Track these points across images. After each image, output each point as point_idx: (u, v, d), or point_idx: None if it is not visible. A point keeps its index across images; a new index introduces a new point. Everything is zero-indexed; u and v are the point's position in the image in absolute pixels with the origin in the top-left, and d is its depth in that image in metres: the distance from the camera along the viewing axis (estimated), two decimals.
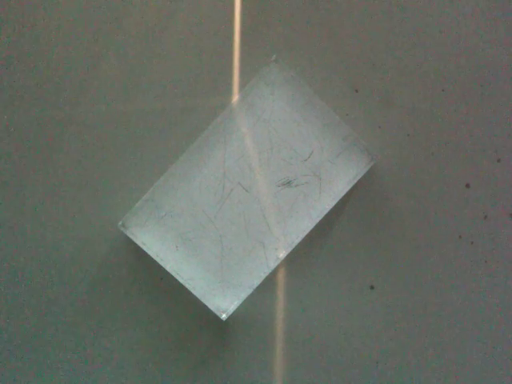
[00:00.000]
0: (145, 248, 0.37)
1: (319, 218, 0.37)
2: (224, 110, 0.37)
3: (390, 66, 0.38)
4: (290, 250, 0.37)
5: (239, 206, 0.37)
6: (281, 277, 0.39)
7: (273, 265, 0.37)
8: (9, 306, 0.39)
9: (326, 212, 0.37)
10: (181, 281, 0.37)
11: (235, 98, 0.37)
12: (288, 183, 0.37)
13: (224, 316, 0.37)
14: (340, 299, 0.39)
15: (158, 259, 0.37)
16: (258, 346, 0.39)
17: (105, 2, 0.39)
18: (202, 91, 0.38)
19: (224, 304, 0.37)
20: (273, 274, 0.38)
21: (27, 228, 0.39)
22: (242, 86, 0.38)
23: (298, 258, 0.39)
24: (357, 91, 0.39)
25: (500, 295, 0.39)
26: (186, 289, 0.37)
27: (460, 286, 0.39)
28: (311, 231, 0.37)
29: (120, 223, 0.37)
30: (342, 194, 0.37)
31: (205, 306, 0.37)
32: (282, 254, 0.37)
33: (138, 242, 0.37)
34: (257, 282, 0.37)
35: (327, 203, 0.37)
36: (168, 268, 0.37)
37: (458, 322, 0.39)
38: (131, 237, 0.37)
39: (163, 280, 0.39)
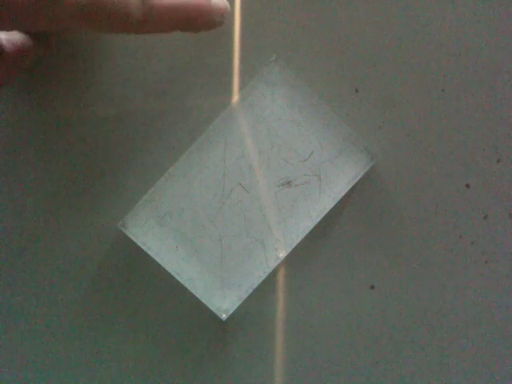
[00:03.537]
0: (145, 248, 0.37)
1: (319, 218, 0.37)
2: (224, 110, 0.37)
3: (390, 66, 0.38)
4: (289, 250, 0.37)
5: (239, 206, 0.37)
6: (281, 277, 0.39)
7: (273, 265, 0.37)
8: (8, 305, 0.39)
9: (326, 212, 0.37)
10: (181, 281, 0.37)
11: (235, 98, 0.37)
12: (288, 183, 0.37)
13: (224, 316, 0.37)
14: (340, 299, 0.39)
15: (158, 259, 0.37)
16: (257, 345, 0.39)
17: None
18: (202, 91, 0.38)
19: (224, 304, 0.37)
20: (273, 274, 0.38)
21: (26, 228, 0.39)
22: (242, 86, 0.38)
23: (298, 258, 0.39)
24: (357, 91, 0.39)
25: (500, 295, 0.39)
26: (186, 289, 0.37)
27: (460, 285, 0.39)
28: (311, 231, 0.37)
29: (120, 223, 0.37)
30: (342, 194, 0.37)
31: (205, 306, 0.37)
32: (282, 254, 0.37)
33: (138, 242, 0.37)
34: (257, 282, 0.37)
35: (327, 203, 0.37)
36: (168, 268, 0.37)
37: (458, 322, 0.39)
38: (131, 237, 0.37)
39: (163, 280, 0.39)
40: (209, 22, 0.34)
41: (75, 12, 0.28)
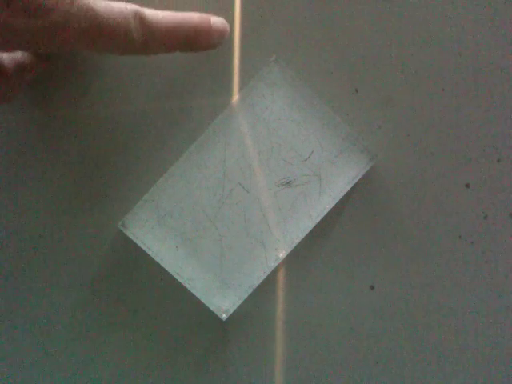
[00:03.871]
0: (145, 248, 0.37)
1: (319, 218, 0.37)
2: (224, 110, 0.37)
3: (390, 66, 0.38)
4: (289, 250, 0.37)
5: (239, 206, 0.37)
6: (281, 277, 0.39)
7: (273, 265, 0.37)
8: (7, 306, 0.39)
9: (326, 212, 0.37)
10: (181, 281, 0.37)
11: (235, 98, 0.37)
12: (288, 183, 0.37)
13: (224, 316, 0.37)
14: (340, 299, 0.39)
15: (157, 259, 0.37)
16: (257, 345, 0.39)
17: None
18: (202, 91, 0.38)
19: (224, 304, 0.37)
20: (273, 274, 0.38)
21: (27, 228, 0.39)
22: (242, 86, 0.38)
23: (298, 258, 0.39)
24: (357, 91, 0.39)
25: (500, 295, 0.39)
26: (186, 289, 0.37)
27: (460, 285, 0.39)
28: (311, 231, 0.37)
29: (120, 223, 0.37)
30: (342, 194, 0.37)
31: (205, 306, 0.37)
32: (282, 254, 0.37)
33: (138, 242, 0.37)
34: (257, 282, 0.37)
35: (327, 203, 0.37)
36: (168, 268, 0.37)
37: (458, 322, 0.39)
38: (131, 237, 0.37)
39: (163, 280, 0.38)
40: (208, 43, 0.34)
41: (77, 35, 0.29)
